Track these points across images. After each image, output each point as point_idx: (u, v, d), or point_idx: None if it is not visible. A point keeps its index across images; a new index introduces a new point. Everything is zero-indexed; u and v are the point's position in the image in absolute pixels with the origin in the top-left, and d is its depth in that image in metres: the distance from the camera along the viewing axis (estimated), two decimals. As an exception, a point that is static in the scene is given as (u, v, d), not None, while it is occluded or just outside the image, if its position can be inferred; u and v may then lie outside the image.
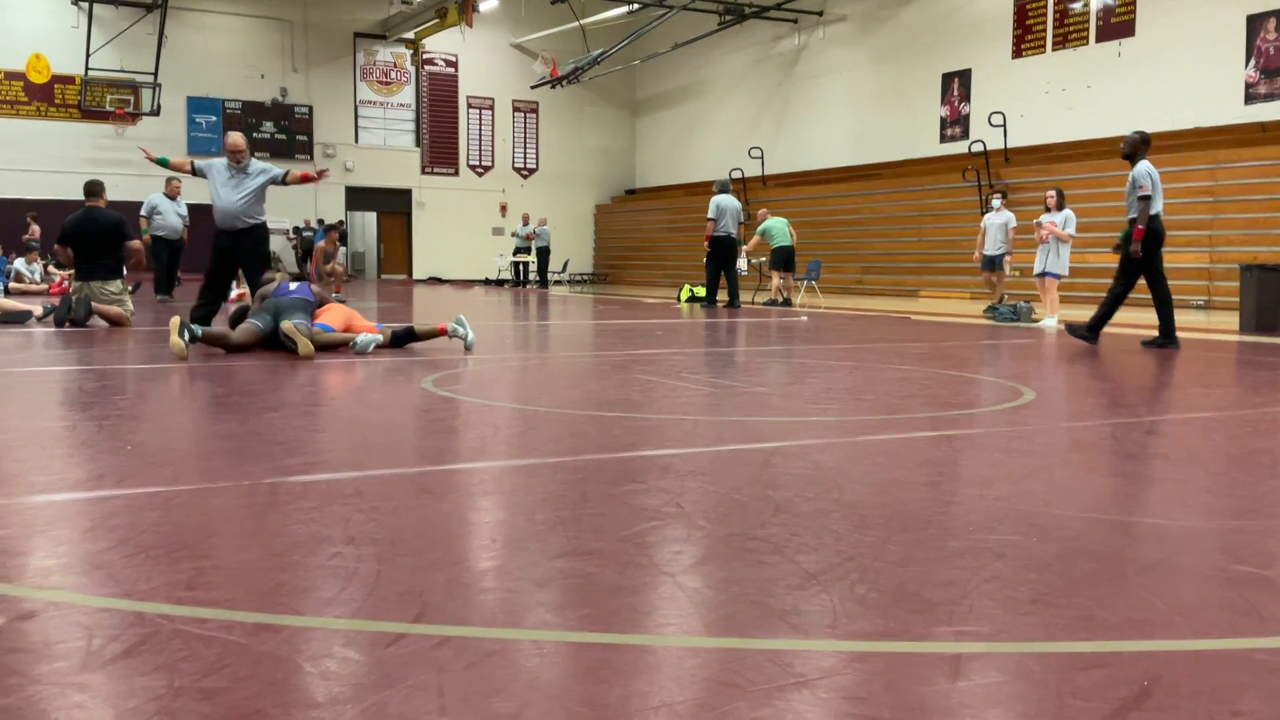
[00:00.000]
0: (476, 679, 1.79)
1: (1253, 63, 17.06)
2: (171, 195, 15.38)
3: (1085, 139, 19.23)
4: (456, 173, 31.68)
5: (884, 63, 24.01)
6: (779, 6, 25.45)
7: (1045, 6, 20.38)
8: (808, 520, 2.90)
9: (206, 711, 1.64)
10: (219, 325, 8.20)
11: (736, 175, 25.85)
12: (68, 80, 26.14)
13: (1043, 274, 12.32)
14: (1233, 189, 16.28)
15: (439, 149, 31.40)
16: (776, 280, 17.17)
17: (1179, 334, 9.17)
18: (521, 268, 26.56)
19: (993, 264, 14.46)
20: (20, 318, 10.35)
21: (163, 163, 9.29)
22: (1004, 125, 20.24)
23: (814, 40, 26.13)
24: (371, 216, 31.51)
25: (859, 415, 5.07)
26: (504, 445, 4.15)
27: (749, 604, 2.20)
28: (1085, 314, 10.79)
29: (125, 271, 11.35)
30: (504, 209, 32.01)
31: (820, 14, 25.65)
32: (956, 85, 22.30)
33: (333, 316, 7.92)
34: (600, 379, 6.49)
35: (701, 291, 17.17)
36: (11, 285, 17.08)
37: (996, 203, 14.67)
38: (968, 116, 22.00)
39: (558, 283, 29.16)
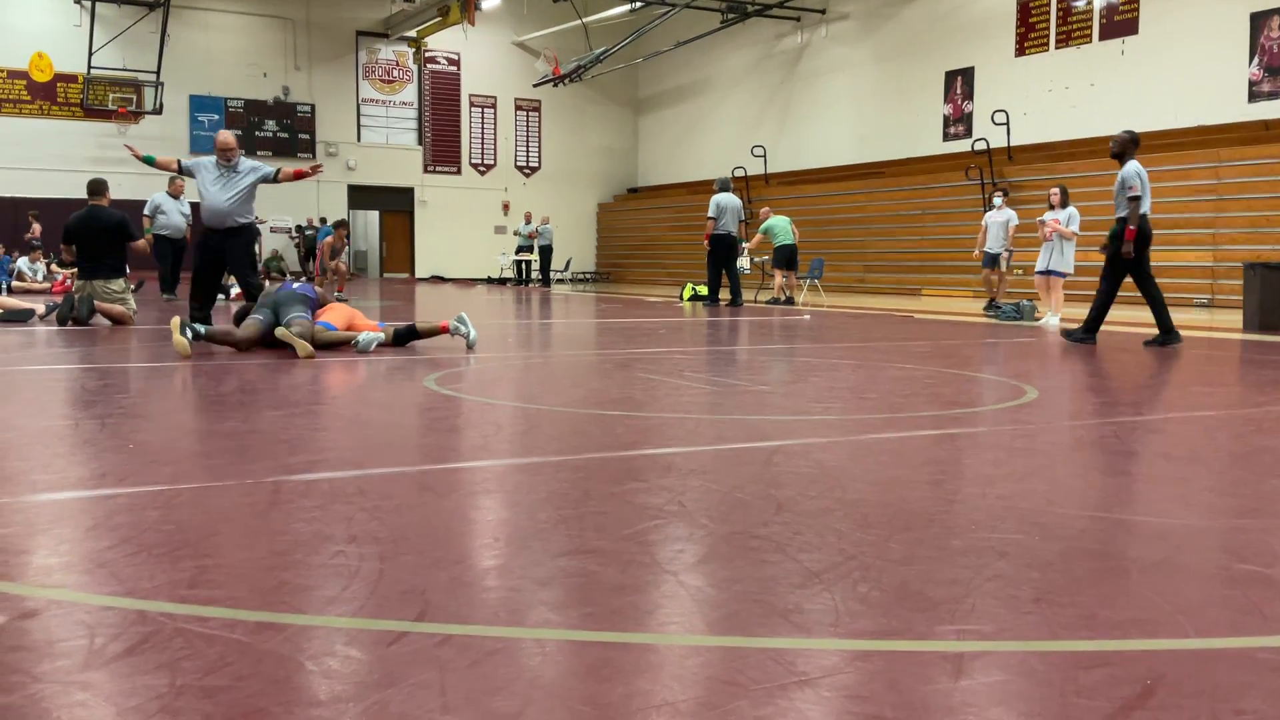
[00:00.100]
0: (479, 677, 1.78)
1: (1256, 60, 17.02)
2: (175, 194, 15.37)
3: (1088, 137, 19.19)
4: (459, 171, 31.68)
5: (886, 61, 23.99)
6: (781, 5, 25.41)
7: (1048, 4, 20.35)
8: (810, 519, 2.90)
9: (209, 710, 1.64)
10: (219, 325, 8.19)
11: (739, 173, 25.84)
12: (70, 79, 26.14)
13: (1046, 272, 12.31)
14: (1236, 187, 16.25)
15: (441, 147, 31.40)
16: (779, 279, 17.15)
17: (1181, 331, 9.18)
18: (524, 266, 26.56)
19: (993, 262, 14.48)
20: (23, 316, 10.36)
21: (149, 161, 9.05)
22: (1007, 123, 20.22)
23: (816, 38, 26.11)
24: (374, 215, 31.51)
25: (861, 414, 5.06)
26: (506, 444, 4.15)
27: (751, 602, 2.20)
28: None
29: (129, 270, 11.34)
30: (506, 207, 32.01)
31: (823, 12, 25.63)
32: (959, 83, 22.27)
33: (335, 315, 7.93)
34: (602, 377, 6.49)
35: (704, 290, 17.17)
36: (14, 284, 17.10)
37: (998, 200, 14.67)
38: (970, 115, 21.97)
39: (560, 281, 29.16)
